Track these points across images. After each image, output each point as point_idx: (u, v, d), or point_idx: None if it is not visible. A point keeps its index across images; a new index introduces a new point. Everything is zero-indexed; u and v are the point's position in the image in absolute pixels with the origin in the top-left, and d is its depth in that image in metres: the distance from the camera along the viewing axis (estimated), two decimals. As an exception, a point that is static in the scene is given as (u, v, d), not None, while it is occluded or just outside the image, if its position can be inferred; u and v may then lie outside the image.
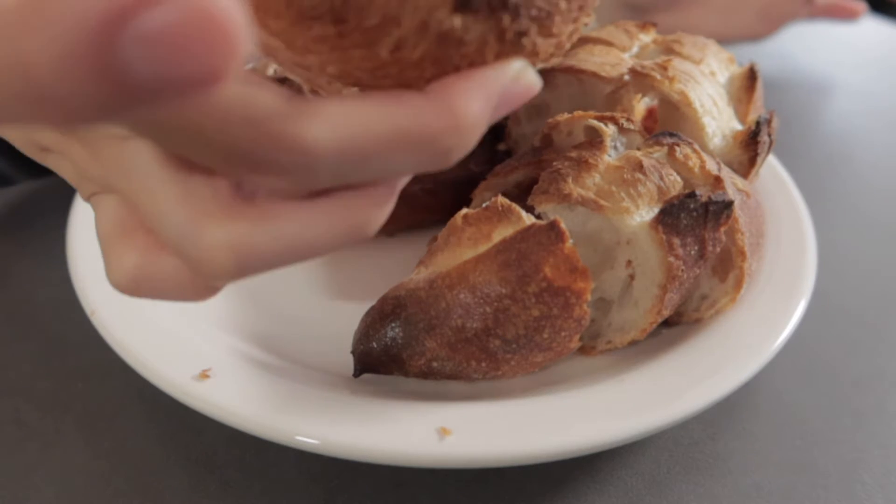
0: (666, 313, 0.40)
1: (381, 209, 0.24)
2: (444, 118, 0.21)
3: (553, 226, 0.35)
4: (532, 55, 0.23)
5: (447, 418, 0.35)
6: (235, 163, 0.20)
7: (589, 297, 0.36)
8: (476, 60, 0.22)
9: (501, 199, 0.38)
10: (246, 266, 0.22)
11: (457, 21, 0.21)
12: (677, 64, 0.45)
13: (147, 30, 0.14)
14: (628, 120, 0.42)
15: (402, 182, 0.25)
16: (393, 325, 0.37)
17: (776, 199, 0.51)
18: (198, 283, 0.24)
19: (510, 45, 0.22)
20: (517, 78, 0.23)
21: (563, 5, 0.23)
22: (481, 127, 0.22)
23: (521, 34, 0.22)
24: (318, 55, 0.22)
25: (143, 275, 0.24)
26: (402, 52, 0.21)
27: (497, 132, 0.54)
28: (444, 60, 0.22)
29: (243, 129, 0.19)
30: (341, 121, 0.20)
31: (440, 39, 0.21)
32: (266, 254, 0.22)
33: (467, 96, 0.22)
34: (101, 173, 0.25)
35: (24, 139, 0.29)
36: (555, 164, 0.40)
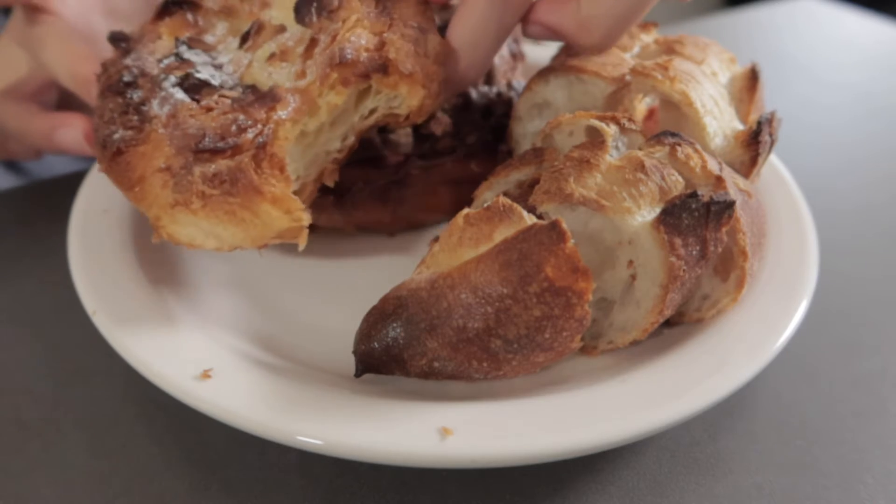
0: (667, 313, 0.40)
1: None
2: None
3: (554, 226, 0.35)
4: None
5: (448, 418, 0.35)
6: None
7: (590, 297, 0.35)
8: None
9: (503, 199, 0.38)
10: None
11: None
12: (678, 64, 0.45)
13: None
14: (630, 120, 0.42)
15: None
16: (394, 325, 0.37)
17: (777, 198, 0.51)
18: None
19: None
20: None
21: None
22: None
23: None
24: None
25: None
26: None
27: (498, 132, 0.54)
28: None
29: None
30: None
31: None
32: None
33: None
34: None
35: None
36: (556, 163, 0.40)
